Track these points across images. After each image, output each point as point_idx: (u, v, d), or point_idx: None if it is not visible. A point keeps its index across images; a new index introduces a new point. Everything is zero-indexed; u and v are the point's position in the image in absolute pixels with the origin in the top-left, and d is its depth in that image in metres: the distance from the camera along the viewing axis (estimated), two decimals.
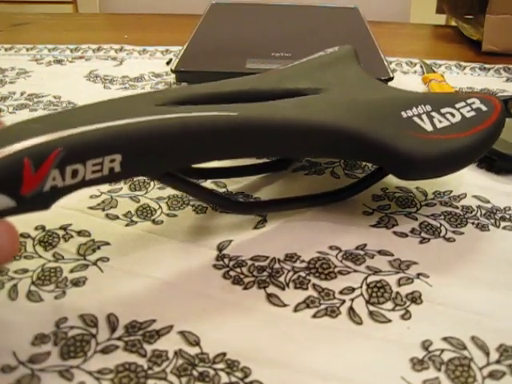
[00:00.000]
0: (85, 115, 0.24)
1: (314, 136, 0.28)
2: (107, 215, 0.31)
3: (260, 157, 0.33)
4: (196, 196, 0.29)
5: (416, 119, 0.29)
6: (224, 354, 0.22)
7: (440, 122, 0.29)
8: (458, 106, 0.29)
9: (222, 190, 0.33)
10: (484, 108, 0.29)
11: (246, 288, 0.26)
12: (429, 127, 0.28)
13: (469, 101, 0.30)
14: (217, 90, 0.29)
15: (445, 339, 0.23)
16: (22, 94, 0.48)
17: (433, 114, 0.29)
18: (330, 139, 0.28)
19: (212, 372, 0.21)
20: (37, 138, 0.21)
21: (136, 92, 0.48)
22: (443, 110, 0.29)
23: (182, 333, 0.23)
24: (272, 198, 0.32)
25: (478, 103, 0.30)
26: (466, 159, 0.29)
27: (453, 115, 0.29)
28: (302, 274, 0.26)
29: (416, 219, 0.31)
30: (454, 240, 0.29)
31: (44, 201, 0.22)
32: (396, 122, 0.28)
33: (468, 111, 0.29)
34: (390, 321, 0.24)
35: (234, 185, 0.34)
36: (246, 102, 0.28)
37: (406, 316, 0.24)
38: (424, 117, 0.29)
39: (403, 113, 0.29)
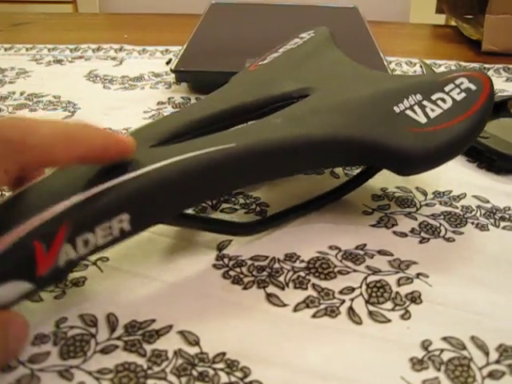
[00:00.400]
0: (80, 175, 0.23)
1: (313, 151, 0.27)
2: None
3: (262, 181, 0.31)
4: (211, 230, 0.29)
5: (409, 112, 0.28)
6: (224, 354, 0.22)
7: (433, 110, 0.28)
8: (447, 89, 0.29)
9: None
10: (473, 87, 0.29)
11: (245, 288, 0.26)
12: (422, 119, 0.28)
13: (457, 81, 0.29)
14: (206, 113, 0.28)
15: (444, 339, 0.23)
16: (21, 93, 0.48)
17: (424, 103, 0.29)
18: (329, 150, 0.28)
19: (212, 372, 0.21)
20: (41, 215, 0.21)
21: (135, 92, 0.48)
22: (434, 97, 0.29)
23: (181, 332, 0.23)
24: (277, 212, 0.30)
25: (466, 83, 0.29)
26: (463, 144, 0.29)
27: (444, 101, 0.29)
28: (302, 273, 0.26)
29: (416, 219, 0.31)
30: (454, 240, 0.29)
31: (60, 274, 0.22)
32: (390, 119, 0.28)
33: (458, 93, 0.29)
34: (389, 321, 0.24)
35: None
36: (236, 118, 0.28)
37: (406, 316, 0.24)
38: (416, 108, 0.28)
39: (396, 108, 0.28)
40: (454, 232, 0.30)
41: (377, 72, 0.33)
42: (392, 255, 0.28)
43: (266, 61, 0.34)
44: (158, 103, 0.45)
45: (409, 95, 0.29)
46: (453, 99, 0.29)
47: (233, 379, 0.21)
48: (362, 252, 0.28)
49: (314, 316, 0.24)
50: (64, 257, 0.21)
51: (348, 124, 0.28)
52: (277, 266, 0.27)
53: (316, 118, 0.28)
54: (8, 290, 0.20)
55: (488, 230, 0.30)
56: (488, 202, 0.32)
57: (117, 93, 0.48)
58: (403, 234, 0.29)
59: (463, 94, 0.29)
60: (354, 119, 0.28)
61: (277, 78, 0.32)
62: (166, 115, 0.28)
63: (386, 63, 0.48)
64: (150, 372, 0.21)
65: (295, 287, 0.26)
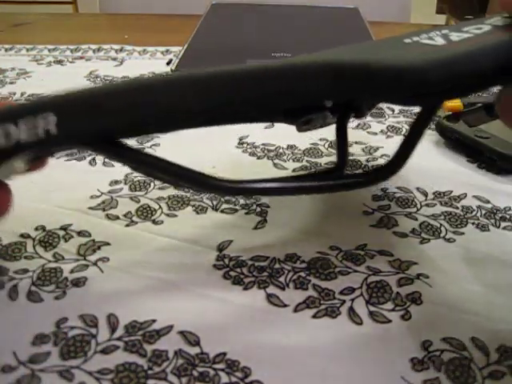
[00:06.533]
0: None
1: None
2: (107, 215, 0.31)
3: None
4: (153, 174, 0.24)
5: (425, 40, 0.22)
6: (224, 354, 0.22)
7: (459, 36, 0.22)
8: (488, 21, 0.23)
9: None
10: None
11: (246, 288, 0.26)
12: (440, 42, 0.22)
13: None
14: None
15: (445, 340, 0.23)
16: (22, 94, 0.48)
17: (451, 32, 0.23)
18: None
19: (212, 372, 0.21)
20: None
21: None
22: (466, 28, 0.23)
23: (181, 333, 0.23)
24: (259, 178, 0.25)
25: None
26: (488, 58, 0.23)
27: (480, 28, 0.22)
28: (302, 274, 0.26)
29: (416, 219, 0.30)
30: (455, 240, 0.29)
31: None
32: (398, 47, 0.23)
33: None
34: (390, 321, 0.24)
35: None
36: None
37: (406, 316, 0.24)
38: (436, 37, 0.22)
39: (406, 39, 0.23)
40: (454, 232, 0.30)
41: None
42: (392, 255, 0.28)
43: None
44: None
45: (431, 31, 0.23)
46: (493, 25, 0.23)
47: (233, 379, 0.21)
48: (362, 252, 0.28)
49: (314, 316, 0.24)
50: None
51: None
52: (277, 266, 0.27)
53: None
54: None
55: (488, 230, 0.30)
56: (488, 202, 0.32)
57: None
58: (403, 235, 0.29)
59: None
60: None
61: None
62: None
63: None
64: (150, 372, 0.21)
65: (296, 287, 0.26)
